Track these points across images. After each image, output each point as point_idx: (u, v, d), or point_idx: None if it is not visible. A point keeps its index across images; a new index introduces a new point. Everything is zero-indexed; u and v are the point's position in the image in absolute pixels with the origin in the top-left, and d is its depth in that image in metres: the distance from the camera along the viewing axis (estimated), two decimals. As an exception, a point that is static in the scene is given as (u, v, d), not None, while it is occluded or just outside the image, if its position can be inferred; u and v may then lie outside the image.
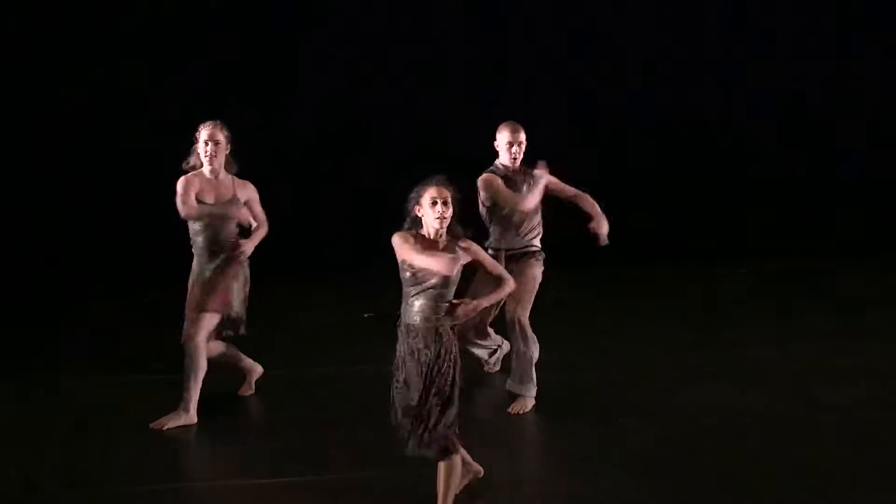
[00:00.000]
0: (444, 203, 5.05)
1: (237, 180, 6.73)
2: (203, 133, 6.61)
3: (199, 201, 6.56)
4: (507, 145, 6.80)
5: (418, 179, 5.15)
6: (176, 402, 6.46)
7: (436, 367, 5.05)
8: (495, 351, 7.40)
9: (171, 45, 10.96)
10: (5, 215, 10.75)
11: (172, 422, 6.42)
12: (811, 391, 6.97)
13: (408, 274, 5.05)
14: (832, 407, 6.67)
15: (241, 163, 6.79)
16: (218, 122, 6.67)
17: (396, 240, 5.08)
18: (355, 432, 6.26)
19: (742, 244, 11.41)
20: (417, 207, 5.09)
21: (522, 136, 6.82)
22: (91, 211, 10.92)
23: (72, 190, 10.92)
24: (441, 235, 5.10)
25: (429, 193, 5.06)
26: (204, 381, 6.53)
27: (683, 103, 11.89)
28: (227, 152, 6.67)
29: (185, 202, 6.52)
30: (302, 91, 11.34)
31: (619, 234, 7.04)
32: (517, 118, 6.96)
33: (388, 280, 5.38)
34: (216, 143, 6.60)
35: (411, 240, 5.06)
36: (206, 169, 6.61)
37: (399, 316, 5.14)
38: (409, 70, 11.41)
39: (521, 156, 6.86)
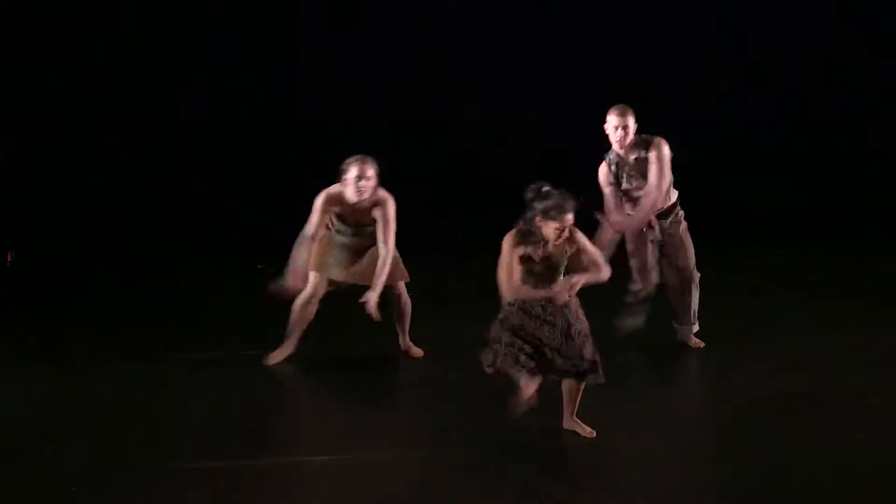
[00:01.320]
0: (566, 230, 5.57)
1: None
2: (353, 171, 6.79)
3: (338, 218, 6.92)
4: (613, 129, 7.05)
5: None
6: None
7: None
8: None
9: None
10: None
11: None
12: (845, 375, 6.93)
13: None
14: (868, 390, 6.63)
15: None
16: (368, 158, 6.83)
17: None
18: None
19: (777, 229, 11.40)
20: (540, 221, 5.55)
21: (628, 120, 7.07)
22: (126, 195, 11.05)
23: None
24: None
25: (554, 222, 5.54)
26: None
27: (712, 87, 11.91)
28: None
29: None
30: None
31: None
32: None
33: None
34: (368, 179, 6.80)
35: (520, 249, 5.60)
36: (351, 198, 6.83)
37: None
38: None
39: (629, 138, 7.07)
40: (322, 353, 7.32)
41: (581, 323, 5.69)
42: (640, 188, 7.15)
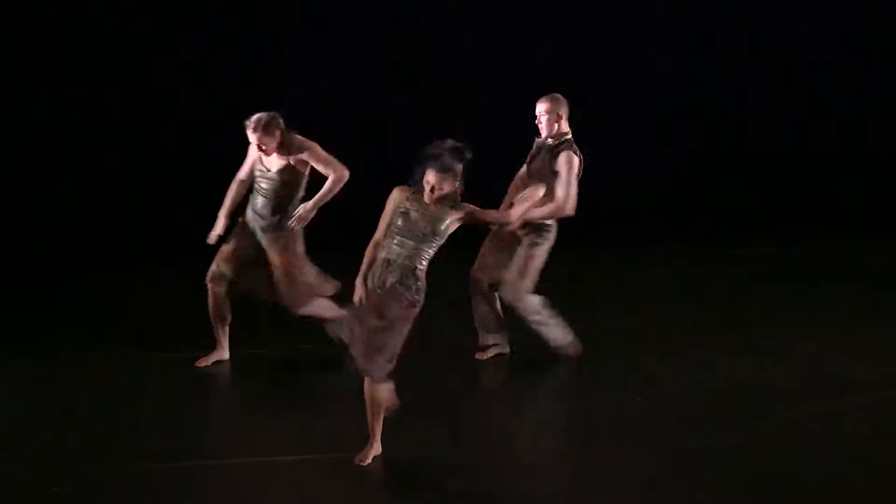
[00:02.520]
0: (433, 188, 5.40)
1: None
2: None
3: None
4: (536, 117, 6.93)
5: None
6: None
7: None
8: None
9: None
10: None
11: None
12: (837, 369, 6.94)
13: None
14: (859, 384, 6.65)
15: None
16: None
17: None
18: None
19: (769, 223, 11.41)
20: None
21: (540, 108, 6.89)
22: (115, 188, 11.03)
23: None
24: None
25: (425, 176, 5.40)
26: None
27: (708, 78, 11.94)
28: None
29: None
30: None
31: (640, 214, 7.07)
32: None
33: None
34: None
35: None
36: None
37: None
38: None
39: (546, 127, 6.89)
40: (308, 353, 7.28)
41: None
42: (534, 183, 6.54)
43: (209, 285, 7.05)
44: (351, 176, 6.79)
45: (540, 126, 6.93)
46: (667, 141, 11.75)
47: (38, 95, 11.12)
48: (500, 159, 7.06)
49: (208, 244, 7.00)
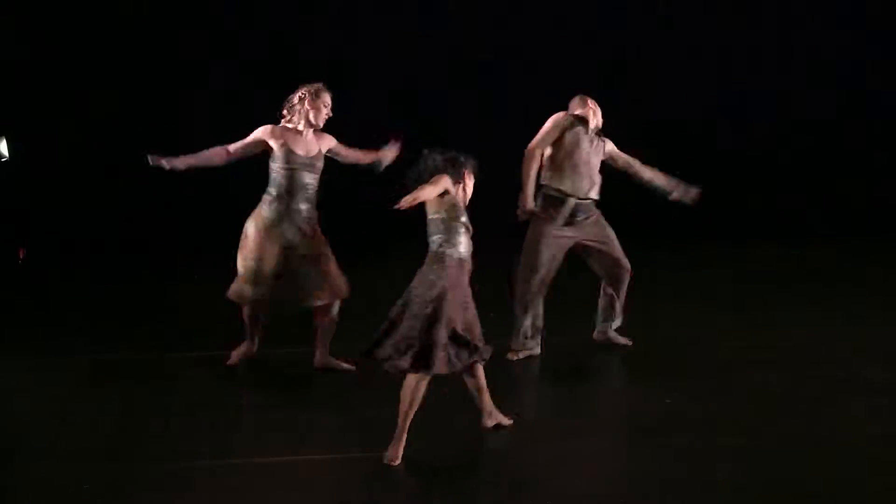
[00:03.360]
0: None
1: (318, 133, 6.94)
2: (327, 97, 6.84)
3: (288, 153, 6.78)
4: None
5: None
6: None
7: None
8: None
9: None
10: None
11: None
12: (847, 370, 7.00)
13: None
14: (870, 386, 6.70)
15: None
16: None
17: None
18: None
19: (775, 223, 11.46)
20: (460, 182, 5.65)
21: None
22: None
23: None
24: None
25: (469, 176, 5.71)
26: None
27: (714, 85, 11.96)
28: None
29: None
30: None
31: (651, 213, 7.15)
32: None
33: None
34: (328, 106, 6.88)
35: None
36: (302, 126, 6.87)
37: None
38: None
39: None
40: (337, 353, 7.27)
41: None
42: None
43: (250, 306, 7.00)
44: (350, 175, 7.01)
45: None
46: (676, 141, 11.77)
47: (69, 96, 11.18)
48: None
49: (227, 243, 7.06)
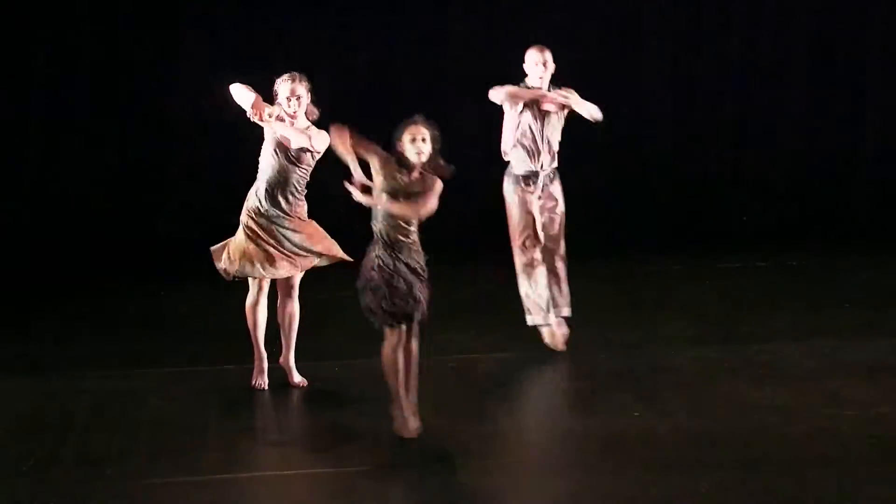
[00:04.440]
0: (423, 140, 5.69)
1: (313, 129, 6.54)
2: (283, 88, 6.46)
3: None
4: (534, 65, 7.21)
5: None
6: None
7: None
8: None
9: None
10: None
11: None
12: (832, 386, 6.90)
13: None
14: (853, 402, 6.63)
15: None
16: (297, 74, 6.51)
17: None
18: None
19: (759, 238, 11.41)
20: (399, 144, 5.70)
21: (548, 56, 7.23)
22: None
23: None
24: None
25: (408, 132, 5.70)
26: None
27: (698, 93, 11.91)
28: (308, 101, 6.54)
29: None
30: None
31: (635, 227, 7.08)
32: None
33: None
34: (298, 98, 6.47)
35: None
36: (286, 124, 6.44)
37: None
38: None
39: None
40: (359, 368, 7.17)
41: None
42: None
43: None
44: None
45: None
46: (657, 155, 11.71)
47: (79, 100, 11.04)
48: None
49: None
